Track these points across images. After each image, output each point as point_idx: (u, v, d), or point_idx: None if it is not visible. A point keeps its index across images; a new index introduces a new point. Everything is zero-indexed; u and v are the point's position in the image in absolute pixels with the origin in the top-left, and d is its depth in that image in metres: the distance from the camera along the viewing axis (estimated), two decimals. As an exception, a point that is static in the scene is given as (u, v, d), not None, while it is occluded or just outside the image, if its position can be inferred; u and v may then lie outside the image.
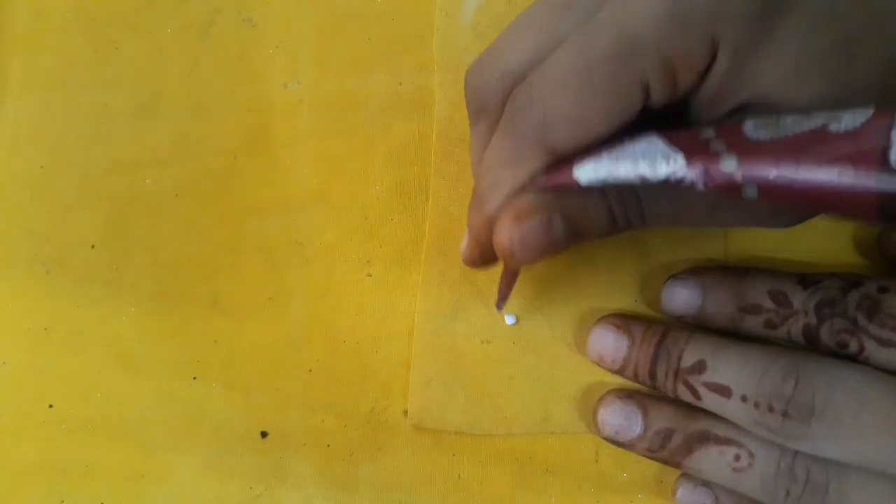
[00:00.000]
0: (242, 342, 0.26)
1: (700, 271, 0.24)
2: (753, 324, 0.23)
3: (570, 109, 0.18)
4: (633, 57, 0.17)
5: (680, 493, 0.23)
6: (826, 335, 0.22)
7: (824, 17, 0.17)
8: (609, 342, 0.24)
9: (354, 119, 0.27)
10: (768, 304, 0.22)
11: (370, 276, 0.26)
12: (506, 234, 0.19)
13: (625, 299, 0.25)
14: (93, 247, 0.27)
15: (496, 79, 0.19)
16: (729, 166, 0.17)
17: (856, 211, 0.16)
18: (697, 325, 0.24)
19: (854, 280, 0.22)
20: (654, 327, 0.23)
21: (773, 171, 0.16)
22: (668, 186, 0.17)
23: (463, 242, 0.22)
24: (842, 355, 0.22)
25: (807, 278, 0.22)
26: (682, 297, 0.24)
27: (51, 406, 0.26)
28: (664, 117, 0.18)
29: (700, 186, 0.17)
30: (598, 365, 0.24)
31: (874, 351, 0.21)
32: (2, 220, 0.27)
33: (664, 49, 0.17)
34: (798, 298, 0.22)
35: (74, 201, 0.27)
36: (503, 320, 0.25)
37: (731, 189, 0.17)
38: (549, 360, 0.25)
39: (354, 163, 0.27)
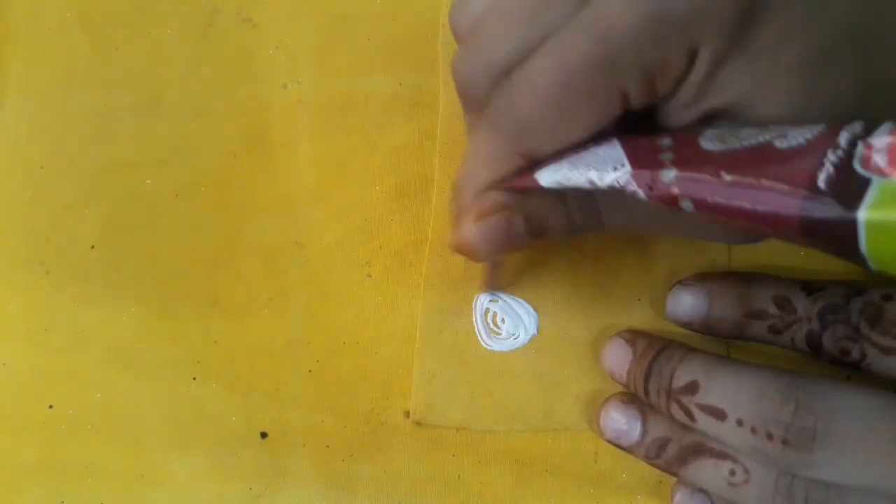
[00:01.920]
0: (242, 342, 0.26)
1: (705, 277, 0.24)
2: (758, 329, 0.23)
3: (548, 117, 0.18)
4: (613, 66, 0.17)
5: (677, 497, 0.23)
6: (829, 342, 0.21)
7: (799, 28, 0.17)
8: (616, 355, 0.24)
9: (354, 119, 0.27)
10: (773, 309, 0.22)
11: (370, 276, 0.26)
12: (467, 231, 0.20)
13: (628, 299, 0.25)
14: (93, 247, 0.27)
15: (483, 70, 0.19)
16: (668, 178, 0.17)
17: (782, 230, 0.16)
18: (703, 334, 0.24)
19: (857, 287, 0.22)
20: (654, 342, 0.23)
21: (707, 188, 0.16)
22: (616, 194, 0.18)
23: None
24: (844, 363, 0.21)
25: (810, 285, 0.22)
26: (687, 304, 0.23)
27: (51, 406, 0.26)
28: (636, 114, 0.18)
29: (642, 196, 0.17)
30: (612, 378, 0.24)
31: (876, 359, 0.21)
32: (2, 220, 0.27)
33: (644, 58, 0.17)
34: (802, 305, 0.22)
35: (74, 201, 0.27)
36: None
37: (670, 201, 0.17)
38: (551, 357, 0.25)
39: (354, 163, 0.27)
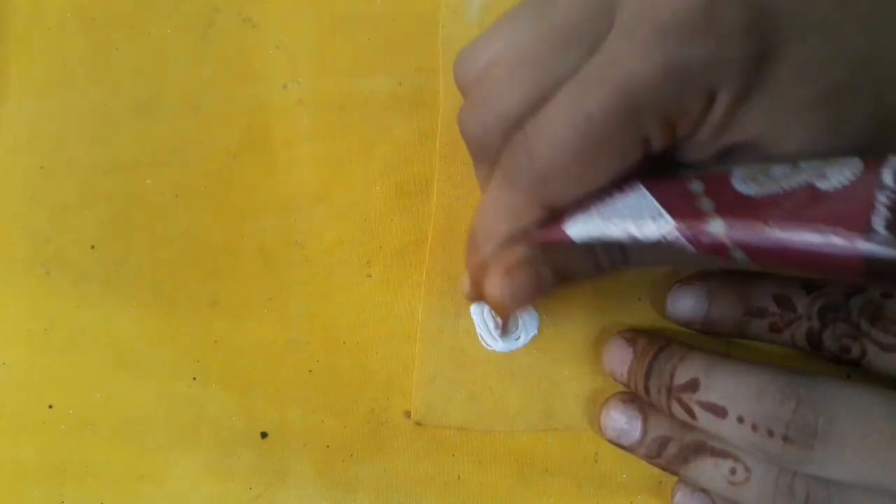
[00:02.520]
0: (242, 342, 0.26)
1: (705, 276, 0.24)
2: (759, 328, 0.23)
3: (569, 167, 0.18)
4: (634, 115, 0.17)
5: (678, 497, 0.23)
6: (829, 340, 0.21)
7: (814, 66, 0.17)
8: (617, 354, 0.24)
9: (354, 119, 0.27)
10: (773, 307, 0.22)
11: (370, 276, 0.26)
12: (496, 289, 0.20)
13: (629, 299, 0.25)
14: (93, 247, 0.27)
15: (494, 123, 0.19)
16: (717, 229, 0.17)
17: (843, 273, 0.16)
18: (703, 333, 0.24)
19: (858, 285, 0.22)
20: (654, 341, 0.23)
21: (762, 237, 0.16)
22: (658, 245, 0.18)
23: (464, 278, 0.22)
24: (844, 360, 0.21)
25: (810, 283, 0.22)
26: (688, 303, 0.23)
27: (51, 406, 0.26)
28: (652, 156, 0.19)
29: (689, 249, 0.17)
30: (612, 377, 0.24)
31: (876, 356, 0.21)
32: (2, 220, 0.27)
33: (663, 105, 0.17)
34: (802, 303, 0.22)
35: (74, 201, 0.27)
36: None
37: (720, 252, 0.17)
38: (552, 357, 0.25)
39: (354, 163, 0.27)
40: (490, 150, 0.20)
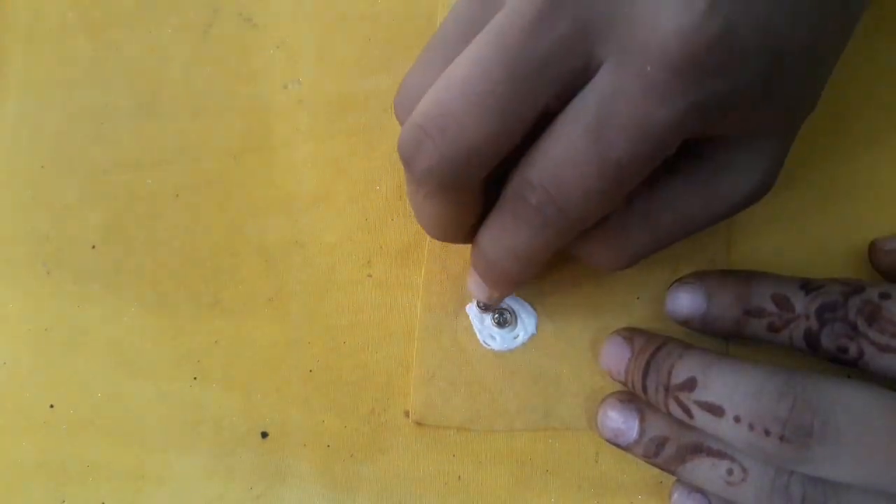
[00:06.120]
0: (243, 342, 0.26)
1: (704, 275, 0.24)
2: (757, 327, 0.23)
3: (600, 207, 0.19)
4: (661, 151, 0.18)
5: (675, 497, 0.23)
6: (826, 340, 0.21)
7: None
8: (614, 353, 0.24)
9: (354, 119, 0.27)
10: (771, 307, 0.22)
11: (370, 276, 0.26)
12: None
13: (627, 298, 0.25)
14: (93, 247, 0.27)
15: (462, 159, 0.18)
16: None
17: None
18: (701, 332, 0.24)
19: (856, 285, 0.22)
20: (652, 340, 0.23)
21: None
22: None
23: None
24: (841, 360, 0.21)
25: (809, 283, 0.22)
26: (686, 301, 0.23)
27: (51, 406, 0.26)
28: None
29: None
30: (609, 376, 0.24)
31: (873, 356, 0.21)
32: (2, 220, 0.27)
33: (687, 134, 0.18)
34: (800, 303, 0.22)
35: (75, 201, 0.27)
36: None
37: None
38: (551, 356, 0.25)
39: (355, 163, 0.27)
40: (459, 184, 0.19)
